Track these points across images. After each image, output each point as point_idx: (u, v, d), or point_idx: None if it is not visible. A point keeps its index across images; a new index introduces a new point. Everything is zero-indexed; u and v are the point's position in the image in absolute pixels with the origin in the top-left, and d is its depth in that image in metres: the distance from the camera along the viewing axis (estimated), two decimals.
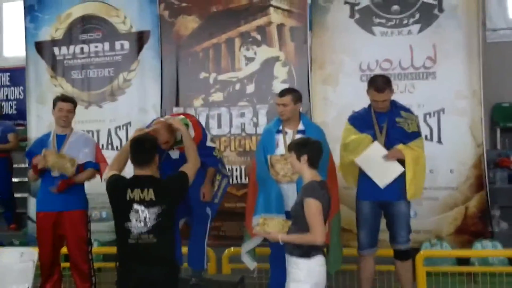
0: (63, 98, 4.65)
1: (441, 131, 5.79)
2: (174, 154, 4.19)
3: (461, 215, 5.68)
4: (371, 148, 4.05)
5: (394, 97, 5.72)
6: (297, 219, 3.35)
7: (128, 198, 3.39)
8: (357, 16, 6.09)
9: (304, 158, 3.38)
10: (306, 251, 3.28)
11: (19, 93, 8.97)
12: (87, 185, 4.65)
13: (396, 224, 4.01)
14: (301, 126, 4.13)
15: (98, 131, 6.76)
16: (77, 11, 6.94)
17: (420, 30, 5.94)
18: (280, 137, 4.11)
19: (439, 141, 5.80)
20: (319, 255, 3.31)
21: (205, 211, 4.25)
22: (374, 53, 6.03)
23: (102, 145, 6.61)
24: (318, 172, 3.47)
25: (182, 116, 4.25)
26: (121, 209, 3.43)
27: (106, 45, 6.84)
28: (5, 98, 9.09)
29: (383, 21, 6.02)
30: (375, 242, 4.11)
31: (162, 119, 4.14)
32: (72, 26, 6.95)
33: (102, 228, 6.24)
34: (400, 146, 4.01)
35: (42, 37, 7.06)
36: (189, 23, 6.58)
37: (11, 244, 6.28)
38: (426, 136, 5.79)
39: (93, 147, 4.63)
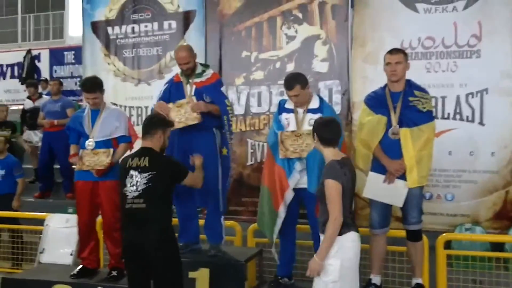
0: (86, 89, 4.65)
1: (483, 112, 5.58)
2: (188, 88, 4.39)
3: (501, 200, 5.47)
4: (370, 179, 4.08)
5: (435, 76, 5.79)
6: (322, 199, 3.36)
7: (127, 166, 3.65)
8: None
9: (316, 137, 3.45)
10: None
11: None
12: None
13: (408, 204, 3.97)
14: (312, 105, 4.15)
15: (146, 107, 7.04)
16: None
17: (466, 7, 5.70)
18: (291, 116, 4.16)
19: (481, 122, 5.59)
20: (351, 231, 3.30)
21: (217, 186, 4.37)
22: (417, 30, 5.88)
23: None
24: None
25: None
26: (122, 177, 3.67)
27: (155, 25, 7.09)
28: (70, 75, 9.69)
29: None
30: (387, 222, 4.09)
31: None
32: (124, 6, 7.26)
33: None
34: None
35: (98, 17, 7.42)
36: (232, 2, 6.67)
37: (65, 212, 6.72)
38: (467, 117, 5.65)
39: (125, 121, 4.81)
